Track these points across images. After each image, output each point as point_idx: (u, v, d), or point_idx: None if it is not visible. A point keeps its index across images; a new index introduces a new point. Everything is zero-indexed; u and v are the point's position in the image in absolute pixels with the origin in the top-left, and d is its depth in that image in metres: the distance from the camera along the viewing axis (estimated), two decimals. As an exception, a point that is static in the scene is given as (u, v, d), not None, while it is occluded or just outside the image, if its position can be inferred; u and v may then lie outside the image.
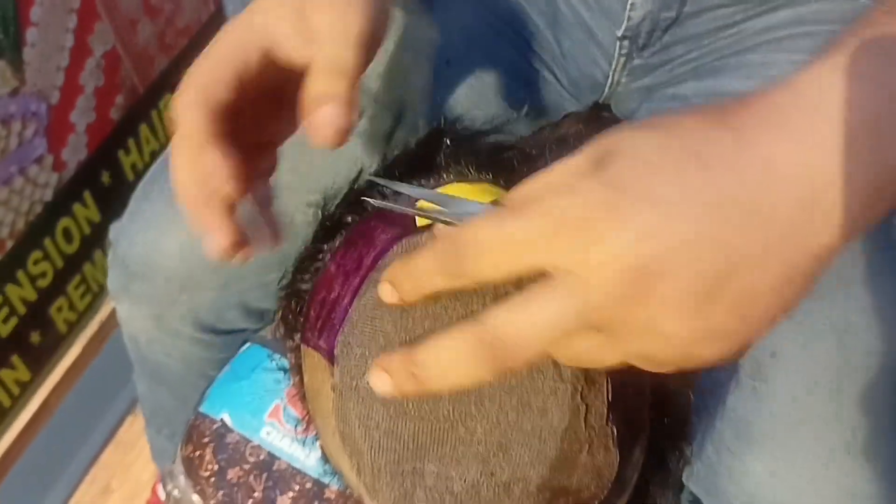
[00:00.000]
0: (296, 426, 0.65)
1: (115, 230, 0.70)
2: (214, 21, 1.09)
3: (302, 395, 0.44)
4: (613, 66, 0.67)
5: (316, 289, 0.42)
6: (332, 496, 0.63)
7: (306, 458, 0.64)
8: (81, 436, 1.15)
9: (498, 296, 0.36)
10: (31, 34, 0.80)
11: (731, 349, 0.30)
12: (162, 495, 1.04)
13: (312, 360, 0.41)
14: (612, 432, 0.37)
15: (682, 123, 0.32)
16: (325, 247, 0.44)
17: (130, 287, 0.69)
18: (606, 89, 0.69)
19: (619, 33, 0.64)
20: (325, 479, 0.63)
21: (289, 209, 0.47)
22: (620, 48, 0.65)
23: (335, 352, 0.38)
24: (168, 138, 1.05)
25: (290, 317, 0.45)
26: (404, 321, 0.37)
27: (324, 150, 0.39)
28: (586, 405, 0.36)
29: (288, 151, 0.47)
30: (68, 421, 1.07)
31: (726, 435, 0.56)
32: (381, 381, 0.34)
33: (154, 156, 1.05)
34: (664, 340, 0.30)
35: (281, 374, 0.67)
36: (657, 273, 0.29)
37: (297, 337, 0.43)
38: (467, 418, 0.36)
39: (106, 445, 1.16)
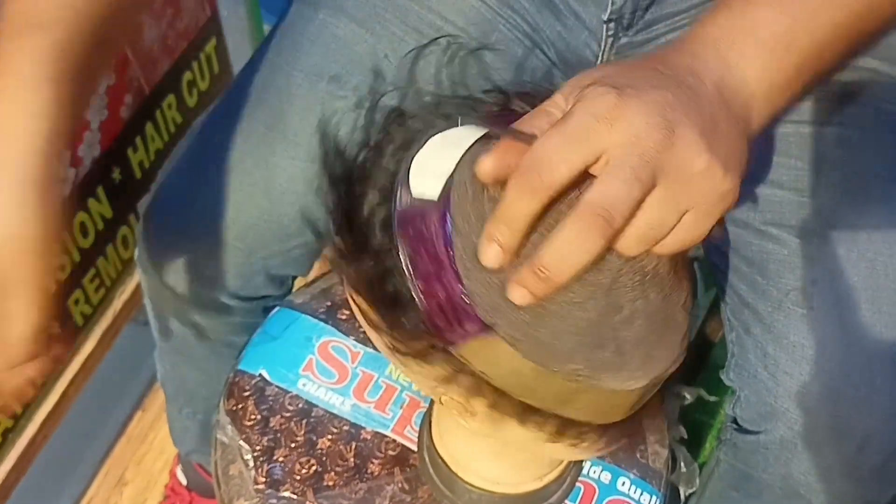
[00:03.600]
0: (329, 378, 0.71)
1: (143, 205, 0.75)
2: (210, 24, 1.14)
3: (475, 389, 0.45)
4: (602, 47, 0.72)
5: (425, 306, 0.44)
6: (368, 437, 0.68)
7: (341, 406, 0.70)
8: (94, 430, 1.18)
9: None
10: (51, 35, 0.85)
11: (732, 179, 0.42)
12: (182, 478, 1.08)
13: (471, 350, 0.44)
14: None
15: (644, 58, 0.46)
16: (393, 278, 0.45)
17: (161, 256, 0.74)
18: None
19: (605, 17, 0.69)
20: (360, 423, 0.69)
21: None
22: (607, 30, 0.70)
23: (486, 322, 0.42)
24: (171, 136, 1.11)
25: (403, 344, 0.46)
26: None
27: None
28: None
29: None
30: (82, 415, 1.11)
31: (782, 360, 0.62)
32: (518, 294, 0.42)
33: (160, 154, 1.09)
34: (700, 173, 0.41)
35: (312, 332, 0.73)
36: (672, 123, 0.41)
37: (428, 348, 0.45)
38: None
39: (118, 439, 1.19)
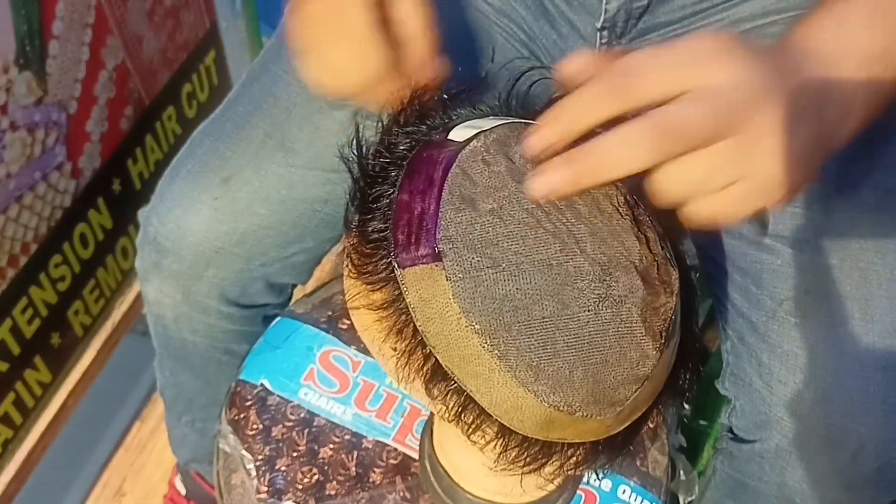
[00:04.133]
0: (331, 387, 0.71)
1: (143, 213, 0.75)
2: (210, 37, 1.15)
3: (399, 330, 0.45)
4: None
5: (397, 216, 0.45)
6: (370, 446, 0.69)
7: (343, 415, 0.70)
8: (93, 440, 1.18)
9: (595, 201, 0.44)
10: (52, 47, 0.86)
11: (796, 173, 0.41)
12: (181, 488, 1.08)
13: (414, 276, 0.44)
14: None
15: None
16: (386, 187, 0.47)
17: (161, 263, 0.74)
18: None
19: (599, 25, 0.69)
20: (362, 432, 0.69)
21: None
22: (601, 38, 0.71)
23: (438, 248, 0.43)
24: (171, 148, 1.11)
25: (362, 258, 0.47)
26: (496, 200, 0.44)
27: None
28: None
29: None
30: (81, 425, 1.11)
31: (776, 369, 0.63)
32: (540, 180, 0.41)
33: (159, 166, 1.10)
34: (772, 148, 0.40)
35: (313, 341, 0.74)
36: (765, 90, 0.40)
37: (382, 267, 0.45)
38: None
39: (116, 450, 1.19)
